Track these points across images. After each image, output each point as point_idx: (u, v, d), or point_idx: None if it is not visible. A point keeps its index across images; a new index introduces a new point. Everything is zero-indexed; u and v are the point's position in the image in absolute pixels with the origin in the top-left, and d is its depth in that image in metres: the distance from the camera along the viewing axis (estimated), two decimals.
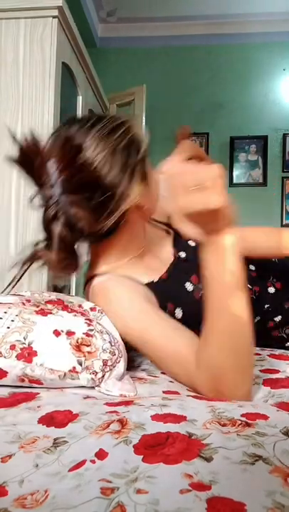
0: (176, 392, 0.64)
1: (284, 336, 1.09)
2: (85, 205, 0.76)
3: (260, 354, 0.95)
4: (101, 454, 0.42)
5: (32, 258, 0.82)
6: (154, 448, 0.43)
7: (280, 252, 1.10)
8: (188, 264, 0.96)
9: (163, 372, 0.81)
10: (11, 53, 1.66)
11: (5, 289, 0.83)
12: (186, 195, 0.55)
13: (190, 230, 0.58)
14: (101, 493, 0.36)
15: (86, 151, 0.75)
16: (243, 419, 0.50)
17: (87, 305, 0.84)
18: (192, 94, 3.35)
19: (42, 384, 0.64)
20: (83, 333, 0.68)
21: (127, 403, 0.58)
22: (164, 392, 0.64)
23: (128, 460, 0.41)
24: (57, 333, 0.67)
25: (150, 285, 0.88)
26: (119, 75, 3.44)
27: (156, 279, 0.90)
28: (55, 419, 0.51)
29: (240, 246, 0.61)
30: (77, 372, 0.63)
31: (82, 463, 0.41)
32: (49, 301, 0.79)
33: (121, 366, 0.68)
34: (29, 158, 0.79)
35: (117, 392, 0.64)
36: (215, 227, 0.58)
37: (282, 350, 1.01)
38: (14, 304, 0.75)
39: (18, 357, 0.63)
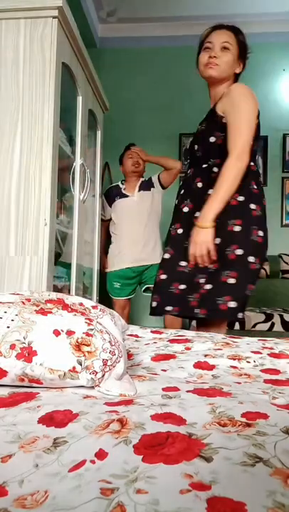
0: (176, 388, 0.64)
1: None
2: None
3: (260, 353, 0.95)
4: (101, 454, 0.42)
5: None
6: (154, 448, 0.43)
7: None
8: None
9: (163, 370, 0.81)
10: (11, 53, 1.66)
11: None
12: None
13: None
14: (101, 493, 0.35)
15: None
16: (244, 419, 0.50)
17: (88, 303, 0.84)
18: (192, 94, 3.35)
19: (42, 384, 0.64)
20: (83, 333, 0.68)
21: (127, 403, 0.57)
22: (163, 389, 0.64)
23: (128, 460, 0.41)
24: (57, 332, 0.67)
25: None
26: (119, 75, 3.45)
27: None
28: (54, 419, 0.51)
29: None
30: (77, 371, 0.63)
31: (82, 463, 0.41)
32: (49, 301, 0.79)
33: (121, 366, 0.68)
34: None
35: (117, 392, 0.64)
36: None
37: (283, 348, 1.01)
38: (14, 303, 0.74)
39: (18, 356, 0.63)
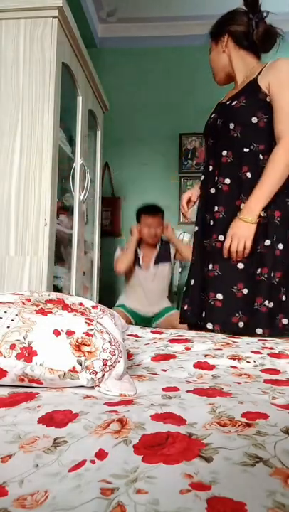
0: (176, 388, 0.64)
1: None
2: None
3: (260, 353, 0.95)
4: (101, 454, 0.42)
5: None
6: (154, 448, 0.43)
7: None
8: None
9: (163, 370, 0.81)
10: (11, 53, 1.66)
11: None
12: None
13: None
14: (101, 493, 0.35)
15: None
16: (244, 419, 0.50)
17: (88, 303, 0.84)
18: (192, 93, 3.35)
19: (42, 384, 0.64)
20: (83, 333, 0.68)
21: (127, 403, 0.57)
22: (163, 389, 0.64)
23: (128, 460, 0.41)
24: (57, 332, 0.67)
25: None
26: (119, 75, 3.44)
27: None
28: (54, 419, 0.51)
29: None
30: (77, 371, 0.63)
31: (82, 463, 0.41)
32: (49, 301, 0.79)
33: (121, 366, 0.68)
34: None
35: (117, 392, 0.64)
36: None
37: (283, 348, 1.01)
38: (14, 303, 0.74)
39: (18, 356, 0.63)
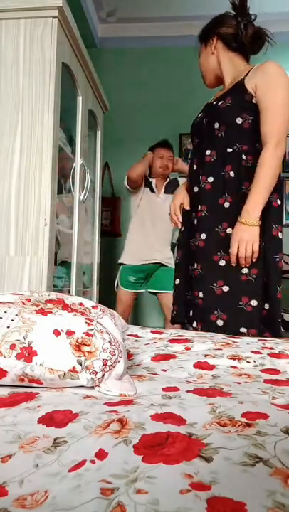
0: (176, 388, 0.64)
1: None
2: None
3: (260, 353, 0.95)
4: (101, 454, 0.42)
5: None
6: (154, 448, 0.43)
7: None
8: None
9: (163, 370, 0.81)
10: (11, 53, 1.66)
11: None
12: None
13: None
14: (101, 493, 0.35)
15: None
16: (244, 419, 0.50)
17: (88, 303, 0.84)
18: (192, 93, 3.35)
19: (42, 384, 0.64)
20: (83, 333, 0.68)
21: (127, 403, 0.57)
22: (163, 389, 0.64)
23: (128, 460, 0.41)
24: (57, 332, 0.67)
25: None
26: (119, 75, 3.45)
27: None
28: (54, 419, 0.51)
29: None
30: (77, 371, 0.63)
31: (82, 463, 0.41)
32: (49, 301, 0.79)
33: (121, 366, 0.68)
34: None
35: (117, 392, 0.64)
36: None
37: (283, 347, 1.01)
38: (14, 303, 0.74)
39: (18, 356, 0.63)
